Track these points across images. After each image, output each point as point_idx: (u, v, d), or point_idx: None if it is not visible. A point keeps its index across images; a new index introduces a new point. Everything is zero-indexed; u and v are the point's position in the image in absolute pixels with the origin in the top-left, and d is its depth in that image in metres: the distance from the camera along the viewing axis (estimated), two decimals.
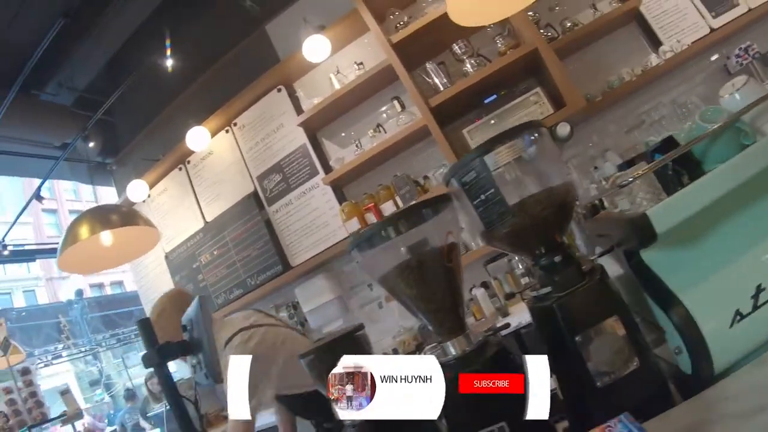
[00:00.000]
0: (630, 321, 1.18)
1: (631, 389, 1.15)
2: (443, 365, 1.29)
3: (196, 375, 1.82)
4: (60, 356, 19.89)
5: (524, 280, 4.01)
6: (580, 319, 1.17)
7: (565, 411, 1.40)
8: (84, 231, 2.97)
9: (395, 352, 4.39)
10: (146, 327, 1.71)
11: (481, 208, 1.21)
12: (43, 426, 4.98)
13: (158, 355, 1.66)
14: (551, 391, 1.50)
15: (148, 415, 7.82)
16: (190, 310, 1.80)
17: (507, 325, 1.50)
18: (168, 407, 5.65)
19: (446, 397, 1.26)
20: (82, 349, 21.70)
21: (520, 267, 4.03)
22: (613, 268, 1.32)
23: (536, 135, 1.23)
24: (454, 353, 1.27)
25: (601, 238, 1.49)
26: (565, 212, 1.24)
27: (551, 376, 1.35)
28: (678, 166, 1.32)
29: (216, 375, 1.63)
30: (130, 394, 11.26)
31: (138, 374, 21.93)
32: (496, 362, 1.22)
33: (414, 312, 1.31)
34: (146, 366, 1.69)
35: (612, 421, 1.02)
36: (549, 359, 1.30)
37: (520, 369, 1.27)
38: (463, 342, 1.27)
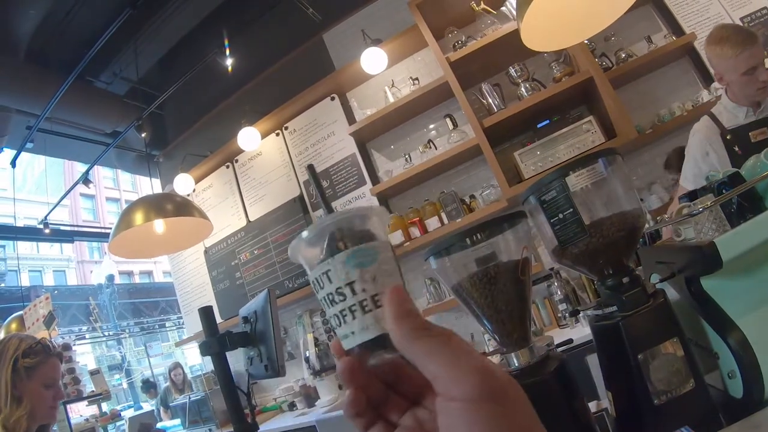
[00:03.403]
0: (687, 344, 1.22)
1: (685, 409, 1.19)
2: None
3: (252, 367, 1.84)
4: (83, 338, 20.05)
5: (562, 306, 4.03)
6: (643, 339, 1.21)
7: (615, 427, 1.44)
8: (138, 217, 3.05)
9: None
10: (208, 315, 1.74)
11: (558, 227, 1.26)
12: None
13: (219, 344, 1.70)
14: (602, 409, 1.55)
15: (169, 405, 7.89)
16: (255, 302, 1.83)
17: (570, 341, 1.54)
18: (191, 398, 5.78)
19: None
20: (106, 334, 21.87)
21: (559, 293, 4.05)
22: (668, 293, 1.36)
23: (613, 161, 1.28)
24: (517, 365, 1.31)
25: (659, 265, 1.53)
26: (635, 236, 1.29)
27: (607, 393, 1.40)
28: (741, 200, 1.36)
29: (279, 368, 1.65)
30: (149, 386, 11.29)
31: (158, 364, 22.17)
32: (556, 376, 1.26)
33: (483, 321, 1.35)
34: (204, 354, 1.70)
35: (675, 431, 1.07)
36: (606, 376, 1.36)
37: (578, 385, 1.32)
38: (527, 354, 1.30)
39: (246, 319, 1.82)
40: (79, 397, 4.72)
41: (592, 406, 1.67)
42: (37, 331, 4.83)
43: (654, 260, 1.57)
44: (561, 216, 1.25)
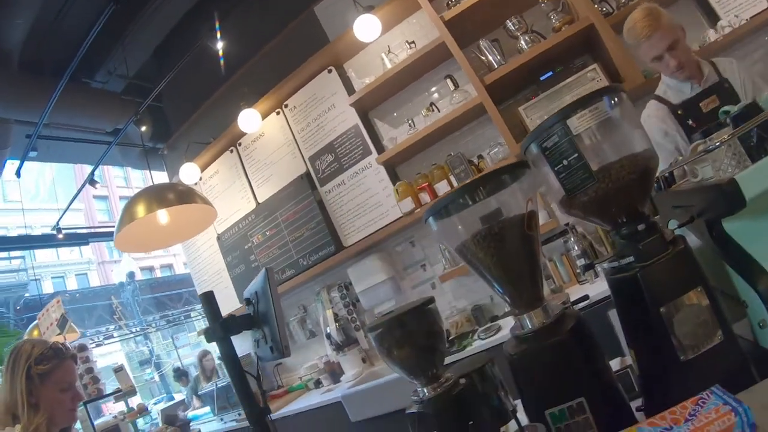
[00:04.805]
0: (713, 293, 1.13)
1: (713, 364, 1.10)
2: (520, 338, 1.26)
3: (259, 349, 1.80)
4: (111, 336, 20.34)
5: (580, 262, 3.95)
6: (665, 290, 1.11)
7: (640, 387, 1.36)
8: (141, 209, 2.99)
9: (447, 333, 4.35)
10: (210, 300, 1.70)
11: (562, 174, 1.16)
12: (98, 402, 5.15)
13: (222, 329, 1.65)
14: (627, 366, 1.47)
15: (199, 393, 7.96)
16: (256, 282, 1.78)
17: (585, 297, 1.46)
18: (218, 385, 5.81)
19: (522, 372, 1.24)
20: (133, 330, 22.18)
21: (576, 248, 3.96)
22: (689, 240, 1.27)
23: (617, 99, 1.19)
24: (530, 326, 1.24)
25: (676, 210, 1.43)
26: (648, 179, 1.20)
27: (629, 351, 1.32)
28: (761, 132, 1.26)
29: (284, 348, 1.61)
30: (181, 373, 11.48)
31: (186, 354, 22.51)
32: (573, 336, 1.18)
33: (491, 283, 1.27)
34: (209, 340, 1.67)
35: (704, 392, 0.98)
36: (627, 333, 1.27)
37: (598, 343, 1.24)
38: (540, 315, 1.23)
39: (248, 301, 1.78)
40: (99, 396, 4.74)
41: (616, 363, 1.59)
42: (52, 335, 4.86)
43: (671, 205, 1.48)
44: (565, 162, 1.15)
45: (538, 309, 1.24)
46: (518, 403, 1.34)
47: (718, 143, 1.21)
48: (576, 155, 1.13)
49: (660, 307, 1.11)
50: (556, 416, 1.17)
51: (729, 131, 1.27)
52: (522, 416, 1.27)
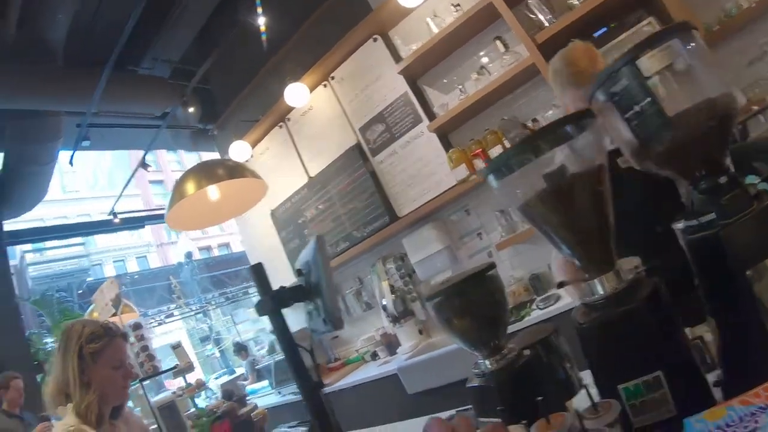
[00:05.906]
0: None
1: None
2: (590, 306, 1.17)
3: (312, 322, 1.75)
4: (172, 315, 20.85)
5: None
6: (751, 250, 0.99)
7: (719, 360, 1.25)
8: (190, 187, 2.95)
9: None
10: (260, 273, 1.65)
11: (635, 122, 1.05)
12: (156, 378, 5.29)
13: (273, 302, 1.61)
14: (697, 337, 1.36)
15: (257, 367, 8.07)
16: (306, 252, 1.74)
17: None
18: (276, 358, 5.86)
19: (592, 343, 1.16)
20: (193, 308, 22.73)
21: None
22: None
23: (689, 37, 1.08)
24: (602, 292, 1.14)
25: (755, 164, 1.31)
26: (728, 126, 1.07)
27: (708, 320, 1.21)
28: None
29: (336, 320, 1.56)
30: (240, 347, 11.74)
31: (245, 330, 23.07)
32: (650, 303, 1.08)
33: (558, 244, 1.18)
34: (260, 314, 1.63)
35: None
36: (706, 299, 1.16)
37: (676, 312, 1.15)
38: (612, 279, 1.14)
39: (299, 272, 1.72)
40: (156, 372, 4.89)
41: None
42: (107, 314, 4.96)
43: (748, 160, 1.35)
44: (637, 108, 1.04)
45: (609, 273, 1.14)
46: (585, 375, 1.26)
47: None
48: (649, 99, 1.02)
49: (745, 270, 0.99)
50: (630, 391, 1.09)
51: None
52: (592, 391, 1.18)
